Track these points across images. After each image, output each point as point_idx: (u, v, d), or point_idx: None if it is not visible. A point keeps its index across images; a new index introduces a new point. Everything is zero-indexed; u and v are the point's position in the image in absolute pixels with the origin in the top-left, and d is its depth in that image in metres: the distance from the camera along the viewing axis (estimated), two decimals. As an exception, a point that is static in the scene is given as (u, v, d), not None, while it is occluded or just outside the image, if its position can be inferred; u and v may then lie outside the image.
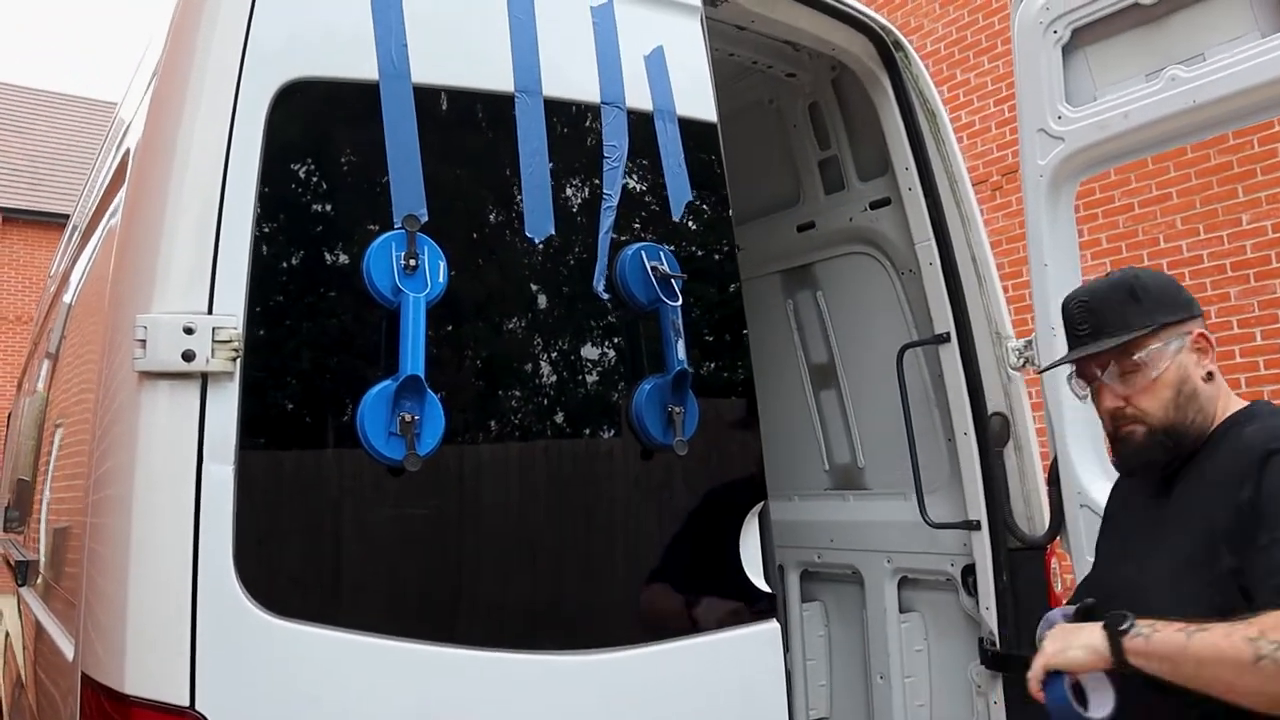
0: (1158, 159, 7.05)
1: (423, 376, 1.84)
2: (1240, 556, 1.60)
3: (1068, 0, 2.77)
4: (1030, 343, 2.96)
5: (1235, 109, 2.53)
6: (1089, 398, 1.92)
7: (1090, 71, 2.82)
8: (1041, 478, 3.10)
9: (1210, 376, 1.83)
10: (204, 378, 1.73)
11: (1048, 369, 2.42)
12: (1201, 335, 1.84)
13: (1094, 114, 2.74)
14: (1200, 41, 2.59)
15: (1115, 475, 2.98)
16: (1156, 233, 7.22)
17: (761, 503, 2.24)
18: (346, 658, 1.78)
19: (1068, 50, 2.81)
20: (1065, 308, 1.93)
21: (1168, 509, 1.83)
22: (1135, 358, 1.80)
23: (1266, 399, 1.89)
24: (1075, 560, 2.79)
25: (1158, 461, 1.83)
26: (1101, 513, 2.18)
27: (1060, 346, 2.84)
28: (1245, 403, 1.85)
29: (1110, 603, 1.77)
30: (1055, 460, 2.88)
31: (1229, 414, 1.82)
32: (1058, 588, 3.12)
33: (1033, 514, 3.11)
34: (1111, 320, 1.83)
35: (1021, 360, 3.02)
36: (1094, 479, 2.77)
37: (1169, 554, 1.77)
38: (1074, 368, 1.94)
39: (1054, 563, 3.12)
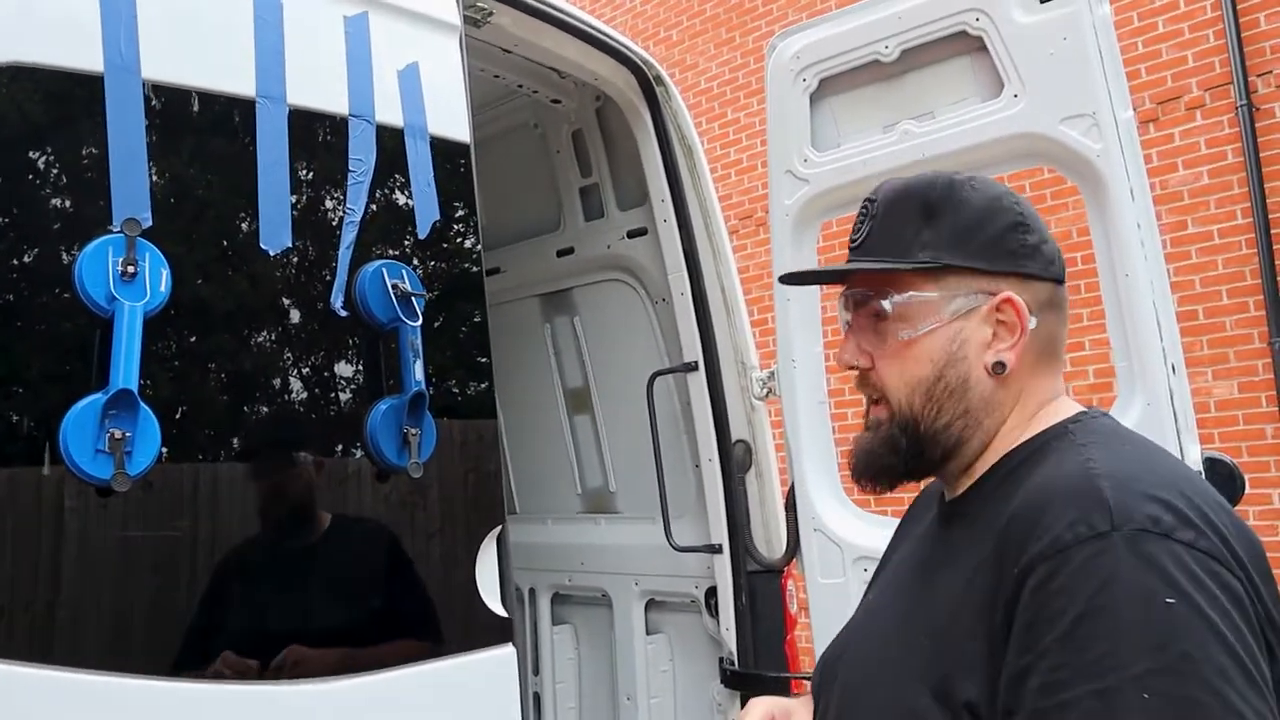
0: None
1: (136, 391, 1.73)
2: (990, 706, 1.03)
3: (816, 51, 2.90)
4: (774, 374, 3.08)
5: (960, 165, 2.72)
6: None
7: (835, 120, 2.97)
8: (780, 503, 3.23)
9: (1001, 369, 1.20)
10: (-120, 385, 1.57)
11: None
12: (1009, 302, 1.20)
13: (837, 160, 2.89)
14: (931, 101, 2.78)
15: (847, 501, 3.21)
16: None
17: (499, 526, 2.23)
18: (45, 697, 1.63)
19: (815, 98, 2.95)
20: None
21: (939, 555, 1.26)
22: (884, 303, 1.23)
23: (1097, 407, 1.26)
24: (809, 582, 2.91)
25: (886, 468, 1.25)
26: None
27: (800, 377, 3.03)
28: (1068, 410, 1.24)
29: (825, 671, 1.33)
30: (793, 486, 3.01)
31: (1033, 433, 1.22)
32: (793, 608, 3.26)
33: (771, 538, 3.24)
34: (886, 236, 1.25)
35: (765, 390, 3.14)
36: (827, 504, 2.91)
37: (906, 627, 1.20)
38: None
39: (790, 584, 3.26)
